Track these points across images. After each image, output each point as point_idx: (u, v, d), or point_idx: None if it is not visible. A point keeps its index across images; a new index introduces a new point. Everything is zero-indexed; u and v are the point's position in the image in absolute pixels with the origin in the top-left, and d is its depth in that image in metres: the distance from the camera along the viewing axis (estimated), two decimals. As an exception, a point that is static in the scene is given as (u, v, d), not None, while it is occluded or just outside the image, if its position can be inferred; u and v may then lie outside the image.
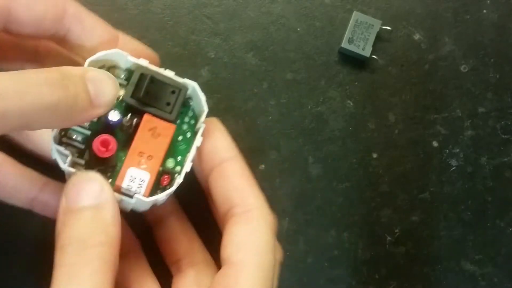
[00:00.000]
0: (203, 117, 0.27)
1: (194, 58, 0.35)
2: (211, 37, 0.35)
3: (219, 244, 0.26)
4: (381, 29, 0.35)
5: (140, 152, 0.26)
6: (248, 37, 0.35)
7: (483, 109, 0.36)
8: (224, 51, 0.35)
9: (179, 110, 0.27)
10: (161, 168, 0.26)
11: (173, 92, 0.27)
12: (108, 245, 0.23)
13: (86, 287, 0.22)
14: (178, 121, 0.28)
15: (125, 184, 0.25)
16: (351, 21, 0.35)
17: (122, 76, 0.27)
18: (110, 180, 0.26)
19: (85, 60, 0.26)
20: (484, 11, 0.36)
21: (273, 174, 0.34)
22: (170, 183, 0.27)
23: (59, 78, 0.21)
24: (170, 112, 0.26)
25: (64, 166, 0.25)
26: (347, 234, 0.34)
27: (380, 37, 0.35)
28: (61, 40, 0.27)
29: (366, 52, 0.35)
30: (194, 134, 0.27)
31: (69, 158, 0.25)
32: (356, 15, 0.35)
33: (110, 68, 0.27)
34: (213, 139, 0.28)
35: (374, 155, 0.35)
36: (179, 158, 0.27)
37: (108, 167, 0.26)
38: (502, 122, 0.36)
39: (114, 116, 0.26)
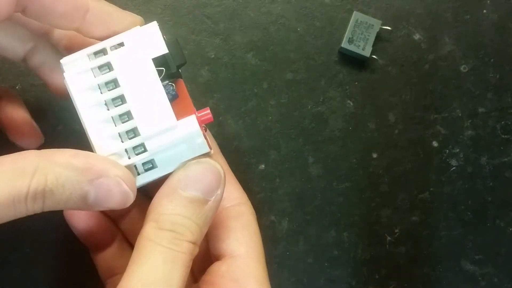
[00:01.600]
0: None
1: (194, 58, 0.35)
2: (211, 37, 0.35)
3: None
4: (381, 29, 0.35)
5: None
6: (248, 37, 0.35)
7: (483, 109, 0.36)
8: (224, 51, 0.35)
9: None
10: None
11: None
12: (199, 244, 0.24)
13: (159, 272, 0.22)
14: None
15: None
16: (351, 21, 0.35)
17: None
18: None
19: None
20: (484, 11, 0.36)
21: (273, 174, 0.34)
22: None
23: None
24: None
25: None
26: (347, 234, 0.34)
27: (380, 37, 0.35)
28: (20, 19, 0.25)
29: (366, 52, 0.35)
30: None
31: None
32: (356, 15, 0.35)
33: None
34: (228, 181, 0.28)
35: (374, 155, 0.35)
36: None
37: None
38: (502, 122, 0.36)
39: (170, 90, 0.24)
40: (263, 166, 0.34)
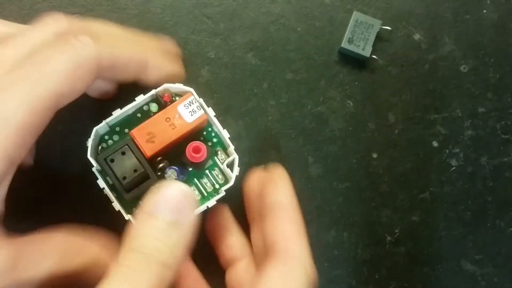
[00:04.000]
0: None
1: (194, 58, 0.35)
2: (211, 37, 0.35)
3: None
4: (381, 29, 0.35)
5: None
6: (248, 37, 0.35)
7: (483, 109, 0.36)
8: (224, 51, 0.35)
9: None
10: None
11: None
12: (172, 268, 0.24)
13: None
14: None
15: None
16: (351, 21, 0.35)
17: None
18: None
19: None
20: (484, 11, 0.36)
21: (273, 174, 0.34)
22: None
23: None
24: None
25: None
26: (347, 234, 0.34)
27: (380, 37, 0.35)
28: None
29: (366, 52, 0.35)
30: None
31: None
32: (356, 15, 0.35)
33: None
34: (278, 184, 0.29)
35: (374, 155, 0.35)
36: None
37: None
38: (502, 122, 0.36)
39: (173, 175, 0.29)
40: (263, 166, 0.34)
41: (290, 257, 0.27)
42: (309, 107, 0.35)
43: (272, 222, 0.28)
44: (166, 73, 0.30)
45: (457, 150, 0.35)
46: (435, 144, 0.35)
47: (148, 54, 0.29)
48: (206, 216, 0.32)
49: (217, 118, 0.30)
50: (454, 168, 0.35)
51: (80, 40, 0.25)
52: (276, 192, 0.29)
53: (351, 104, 0.35)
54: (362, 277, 0.34)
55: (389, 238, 0.35)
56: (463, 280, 0.35)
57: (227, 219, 0.32)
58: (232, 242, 0.31)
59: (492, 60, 0.36)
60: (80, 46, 0.25)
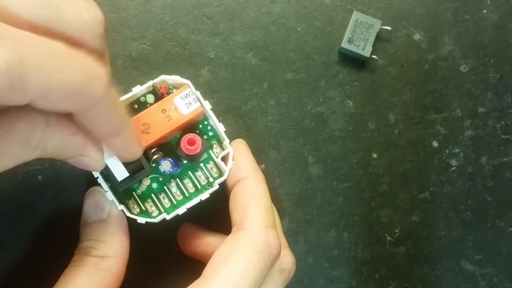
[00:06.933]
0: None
1: (194, 58, 0.35)
2: (211, 37, 0.35)
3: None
4: (381, 29, 0.35)
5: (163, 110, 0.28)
6: (248, 37, 0.35)
7: (483, 109, 0.36)
8: (224, 51, 0.35)
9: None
10: None
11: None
12: (109, 257, 0.27)
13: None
14: None
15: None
16: (351, 21, 0.35)
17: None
18: None
19: None
20: (484, 11, 0.36)
21: (273, 174, 0.34)
22: None
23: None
24: None
25: None
26: (347, 234, 0.34)
27: (380, 37, 0.35)
28: None
29: (366, 52, 0.35)
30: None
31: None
32: (356, 15, 0.35)
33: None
34: (237, 159, 0.30)
35: (374, 155, 0.35)
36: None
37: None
38: (502, 122, 0.36)
39: (167, 166, 0.28)
40: (263, 166, 0.34)
41: (239, 229, 0.27)
42: (309, 107, 0.35)
43: (232, 198, 0.29)
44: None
45: (457, 150, 0.35)
46: (435, 144, 0.35)
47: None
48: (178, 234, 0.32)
49: (217, 118, 0.30)
50: (454, 168, 0.35)
51: None
52: (237, 168, 0.29)
53: (351, 104, 0.35)
54: (362, 277, 0.34)
55: (389, 238, 0.35)
56: (463, 280, 0.35)
57: (198, 228, 0.32)
58: (209, 239, 0.31)
59: (492, 60, 0.36)
60: None
